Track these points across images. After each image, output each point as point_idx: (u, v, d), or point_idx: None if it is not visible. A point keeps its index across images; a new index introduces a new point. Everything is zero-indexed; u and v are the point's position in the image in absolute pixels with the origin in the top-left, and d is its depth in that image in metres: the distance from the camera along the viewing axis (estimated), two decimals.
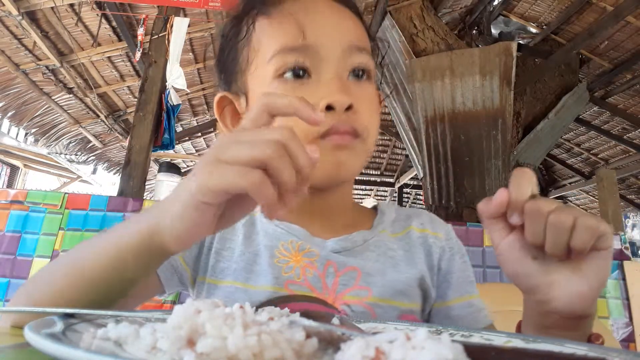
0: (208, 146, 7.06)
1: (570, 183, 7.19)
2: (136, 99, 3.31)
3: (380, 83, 0.74)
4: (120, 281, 0.44)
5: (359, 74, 0.59)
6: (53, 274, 0.47)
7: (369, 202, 1.53)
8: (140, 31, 3.36)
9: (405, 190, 8.34)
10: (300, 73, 0.56)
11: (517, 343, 0.33)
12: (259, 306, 0.34)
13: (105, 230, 0.46)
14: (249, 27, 0.60)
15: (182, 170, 6.49)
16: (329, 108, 0.54)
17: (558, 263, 0.44)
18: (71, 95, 4.70)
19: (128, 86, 4.94)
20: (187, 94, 5.23)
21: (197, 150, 7.16)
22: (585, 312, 0.45)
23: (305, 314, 0.33)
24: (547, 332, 0.46)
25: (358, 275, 0.60)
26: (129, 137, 2.86)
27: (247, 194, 0.34)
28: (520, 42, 4.57)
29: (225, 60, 0.65)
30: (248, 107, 0.61)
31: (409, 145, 3.54)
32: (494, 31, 4.65)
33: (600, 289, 0.44)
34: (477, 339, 0.34)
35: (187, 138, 6.35)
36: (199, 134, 6.53)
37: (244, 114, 0.62)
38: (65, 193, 1.84)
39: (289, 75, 0.56)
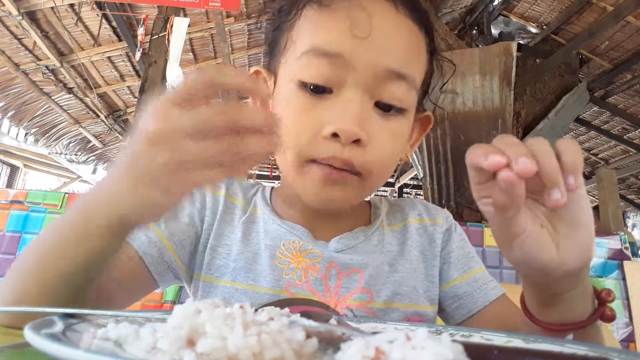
0: None
1: None
2: (136, 99, 3.31)
3: (434, 109, 0.67)
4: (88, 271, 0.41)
5: (385, 107, 0.53)
6: (17, 277, 0.44)
7: None
8: (140, 31, 3.36)
9: (405, 190, 8.34)
10: (320, 89, 0.52)
11: (517, 343, 0.33)
12: (259, 308, 0.34)
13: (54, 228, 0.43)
14: (297, 12, 0.56)
15: None
16: (336, 135, 0.50)
17: (550, 222, 0.39)
18: (71, 95, 4.70)
19: (128, 86, 4.93)
20: None
21: None
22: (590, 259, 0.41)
23: (306, 315, 0.33)
24: (558, 298, 0.43)
25: (360, 278, 0.59)
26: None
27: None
28: (520, 42, 4.57)
29: (271, 34, 0.62)
30: (274, 92, 0.59)
31: None
32: (494, 31, 4.65)
33: (593, 229, 0.39)
34: (477, 339, 0.34)
35: None
36: None
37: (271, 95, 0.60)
38: (65, 193, 1.84)
39: (310, 85, 0.52)
